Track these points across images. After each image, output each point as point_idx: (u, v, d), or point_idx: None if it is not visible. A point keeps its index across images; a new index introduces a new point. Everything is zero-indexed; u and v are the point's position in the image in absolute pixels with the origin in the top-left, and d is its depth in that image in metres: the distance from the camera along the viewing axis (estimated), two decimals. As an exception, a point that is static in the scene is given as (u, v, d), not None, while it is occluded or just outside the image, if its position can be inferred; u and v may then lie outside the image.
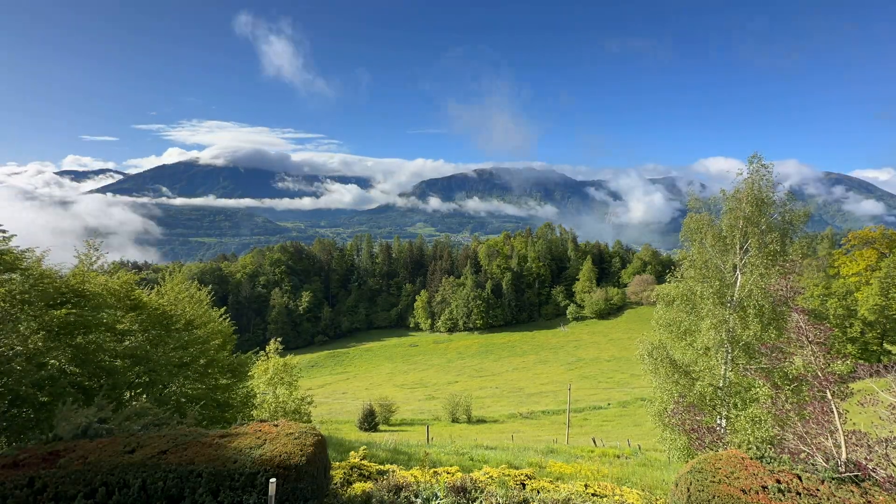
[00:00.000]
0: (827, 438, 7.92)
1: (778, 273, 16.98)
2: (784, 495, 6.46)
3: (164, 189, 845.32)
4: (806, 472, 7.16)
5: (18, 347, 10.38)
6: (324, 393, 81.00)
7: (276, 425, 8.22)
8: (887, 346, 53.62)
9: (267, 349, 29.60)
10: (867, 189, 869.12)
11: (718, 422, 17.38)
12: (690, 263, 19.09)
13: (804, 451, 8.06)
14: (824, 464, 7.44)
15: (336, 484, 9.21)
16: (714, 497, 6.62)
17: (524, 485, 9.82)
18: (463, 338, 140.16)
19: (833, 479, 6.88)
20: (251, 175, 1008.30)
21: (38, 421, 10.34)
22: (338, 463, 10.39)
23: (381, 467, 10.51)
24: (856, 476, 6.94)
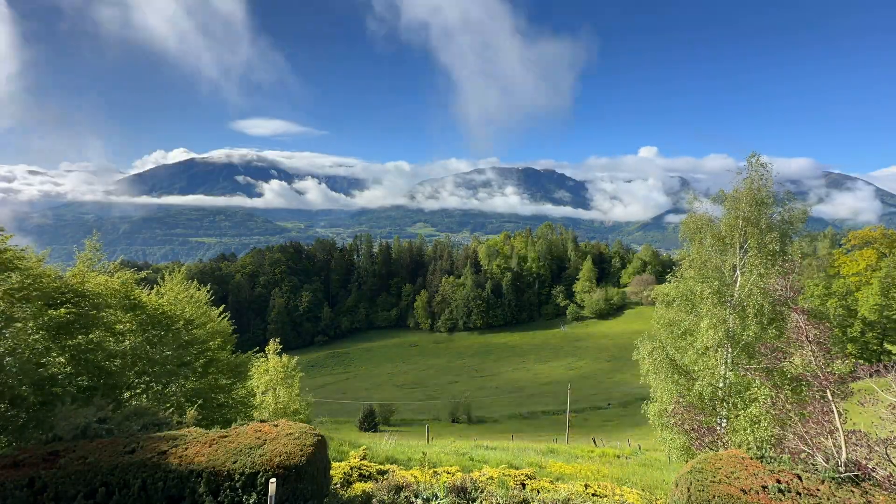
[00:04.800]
0: (827, 438, 7.92)
1: (778, 273, 16.97)
2: (784, 495, 6.46)
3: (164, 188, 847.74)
4: (806, 471, 7.16)
5: (17, 347, 10.37)
6: (324, 393, 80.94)
7: (276, 425, 8.21)
8: (887, 346, 53.61)
9: (266, 349, 29.59)
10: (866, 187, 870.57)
11: (718, 422, 17.37)
12: (690, 263, 19.08)
13: (804, 451, 8.05)
14: (824, 464, 7.43)
15: (336, 484, 9.20)
16: (714, 497, 6.62)
17: (524, 485, 9.82)
18: (463, 338, 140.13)
19: (833, 478, 6.87)
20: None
21: (38, 421, 10.33)
22: (338, 463, 10.39)
23: (381, 467, 10.52)
24: (856, 476, 6.93)
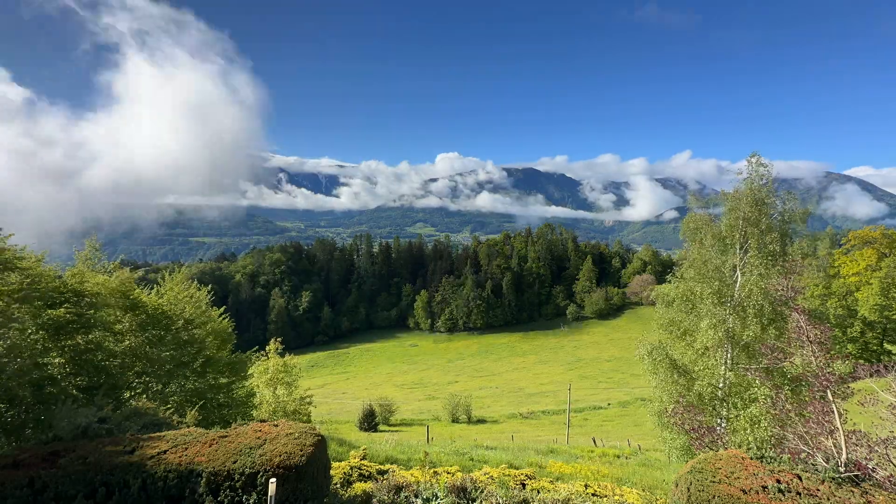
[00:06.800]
0: (827, 438, 7.92)
1: (778, 273, 16.97)
2: (784, 495, 6.46)
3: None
4: (806, 472, 7.15)
5: (17, 347, 10.36)
6: (324, 393, 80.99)
7: (276, 425, 8.21)
8: (887, 346, 53.61)
9: (267, 349, 29.54)
10: (868, 188, 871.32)
11: (718, 422, 17.37)
12: (690, 263, 19.08)
13: (804, 451, 8.05)
14: (824, 464, 7.43)
15: (336, 484, 9.20)
16: (714, 497, 6.62)
17: (524, 485, 9.82)
18: (463, 338, 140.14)
19: (833, 478, 6.87)
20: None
21: (38, 421, 10.33)
22: (338, 463, 10.39)
23: (381, 467, 10.52)
24: (856, 476, 6.93)
